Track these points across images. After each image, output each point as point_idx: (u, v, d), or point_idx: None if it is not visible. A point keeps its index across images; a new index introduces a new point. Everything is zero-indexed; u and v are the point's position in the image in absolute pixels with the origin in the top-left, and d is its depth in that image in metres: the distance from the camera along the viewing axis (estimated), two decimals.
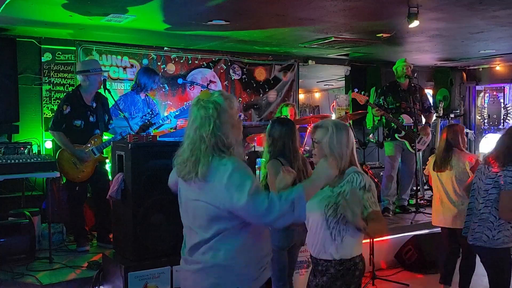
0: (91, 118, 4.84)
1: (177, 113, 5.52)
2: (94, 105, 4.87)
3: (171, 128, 5.60)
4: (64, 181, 4.90)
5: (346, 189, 2.56)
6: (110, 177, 4.52)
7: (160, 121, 5.36)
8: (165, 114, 5.56)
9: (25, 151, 4.73)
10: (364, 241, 5.47)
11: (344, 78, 8.41)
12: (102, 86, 4.90)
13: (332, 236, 2.58)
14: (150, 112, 5.07)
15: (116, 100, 5.28)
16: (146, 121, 4.98)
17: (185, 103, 5.72)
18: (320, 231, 2.63)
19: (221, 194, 2.13)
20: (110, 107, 5.13)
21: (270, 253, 2.43)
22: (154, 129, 5.32)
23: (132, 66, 6.18)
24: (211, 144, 2.17)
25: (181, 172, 2.25)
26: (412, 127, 6.21)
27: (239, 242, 2.22)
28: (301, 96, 9.50)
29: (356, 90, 6.27)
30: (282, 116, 5.90)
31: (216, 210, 2.16)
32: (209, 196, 2.17)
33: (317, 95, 11.83)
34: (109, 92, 4.96)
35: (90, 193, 5.14)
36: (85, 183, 4.91)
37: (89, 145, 4.81)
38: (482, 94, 9.37)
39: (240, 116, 6.07)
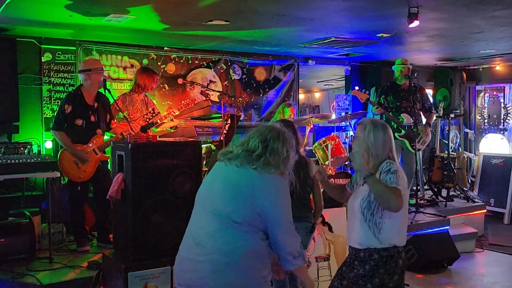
0: (92, 118, 4.84)
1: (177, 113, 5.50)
2: (96, 104, 4.88)
3: (171, 128, 5.58)
4: (65, 181, 4.90)
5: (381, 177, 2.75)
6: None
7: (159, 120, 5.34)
8: (165, 113, 5.53)
9: (25, 151, 4.73)
10: None
11: (344, 78, 8.42)
12: (102, 86, 4.90)
13: (371, 228, 2.73)
14: (152, 112, 5.06)
15: (115, 99, 5.27)
16: (148, 120, 4.97)
17: (182, 101, 5.70)
18: (358, 223, 2.78)
19: (264, 197, 2.33)
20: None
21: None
22: (154, 128, 5.32)
23: (132, 66, 6.18)
24: (273, 156, 2.40)
25: (237, 159, 2.40)
26: (412, 127, 6.21)
27: (261, 244, 2.35)
28: (301, 96, 9.51)
29: (357, 87, 6.28)
30: (285, 118, 5.98)
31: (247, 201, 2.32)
32: (255, 189, 2.33)
33: (317, 95, 11.83)
34: (109, 92, 4.95)
35: (92, 193, 5.14)
36: (87, 183, 4.91)
37: (90, 144, 4.81)
38: (482, 94, 9.37)
39: (240, 117, 6.07)
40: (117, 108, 5.10)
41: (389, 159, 2.82)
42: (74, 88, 5.61)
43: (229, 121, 5.30)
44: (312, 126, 6.41)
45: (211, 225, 2.33)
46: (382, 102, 6.36)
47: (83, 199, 4.99)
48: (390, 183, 2.70)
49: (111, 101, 5.11)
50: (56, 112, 4.97)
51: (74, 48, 5.83)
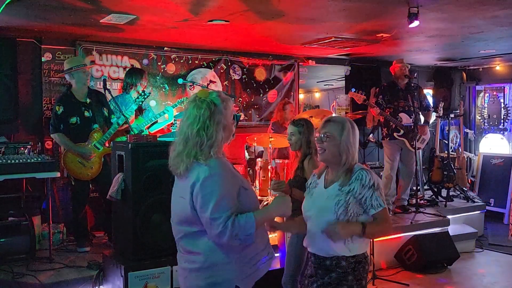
0: (86, 113, 4.86)
1: (174, 107, 5.53)
2: (88, 100, 4.90)
3: (169, 124, 5.58)
4: (67, 180, 4.93)
5: (356, 187, 2.52)
6: None
7: (158, 116, 5.35)
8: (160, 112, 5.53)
9: (25, 151, 4.73)
10: None
11: (344, 78, 8.42)
12: (102, 86, 4.91)
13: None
14: (142, 93, 5.05)
15: (114, 98, 5.25)
16: (140, 103, 5.02)
17: (177, 100, 5.73)
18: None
19: (193, 195, 2.22)
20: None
21: (267, 248, 2.42)
22: (150, 125, 5.34)
23: (132, 66, 6.16)
24: (193, 142, 2.23)
25: (174, 166, 2.31)
26: (412, 126, 6.21)
27: (212, 252, 2.26)
28: (301, 96, 9.51)
29: (353, 89, 6.27)
30: (285, 116, 6.06)
31: (191, 208, 2.23)
32: (188, 193, 2.24)
33: (317, 95, 11.82)
34: (109, 92, 4.96)
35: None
36: (97, 180, 4.94)
37: (90, 141, 4.83)
38: (482, 94, 9.37)
39: (239, 116, 6.12)
40: (118, 109, 5.11)
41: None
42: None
43: None
44: None
45: None
46: (380, 103, 6.36)
47: (87, 198, 5.02)
48: (376, 206, 2.49)
49: (111, 100, 5.11)
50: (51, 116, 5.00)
51: (74, 48, 5.83)
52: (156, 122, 5.40)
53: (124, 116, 4.76)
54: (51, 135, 4.87)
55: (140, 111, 5.31)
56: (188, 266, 2.33)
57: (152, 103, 6.21)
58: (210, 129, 2.23)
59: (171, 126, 5.53)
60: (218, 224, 2.13)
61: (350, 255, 2.54)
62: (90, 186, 5.00)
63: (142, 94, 5.06)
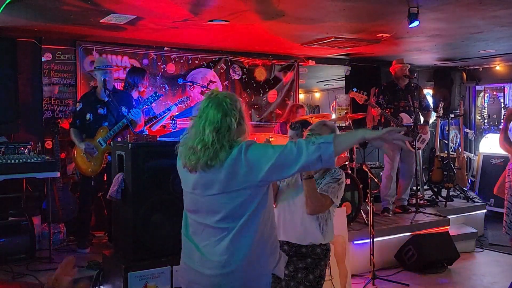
0: (100, 110, 4.92)
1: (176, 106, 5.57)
2: (106, 99, 4.92)
3: (168, 118, 5.59)
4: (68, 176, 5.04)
5: (327, 178, 2.86)
6: None
7: (158, 116, 5.37)
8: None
9: (25, 151, 4.74)
10: (364, 241, 5.49)
11: (344, 78, 8.42)
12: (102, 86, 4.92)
13: (320, 226, 2.85)
14: (154, 95, 5.08)
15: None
16: (150, 103, 5.08)
17: (178, 99, 5.75)
18: (307, 220, 2.85)
19: (243, 171, 2.11)
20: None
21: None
22: (151, 126, 5.36)
23: (132, 66, 6.16)
24: (233, 131, 2.17)
25: (200, 159, 2.14)
26: (412, 126, 6.21)
27: (259, 231, 2.18)
28: (301, 96, 9.51)
29: (354, 89, 6.27)
30: (296, 118, 6.07)
31: (239, 193, 2.13)
32: (230, 182, 2.13)
33: (317, 95, 11.82)
34: (109, 91, 4.96)
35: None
36: (100, 178, 4.97)
37: (96, 137, 4.86)
38: (482, 94, 9.37)
39: None
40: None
41: None
42: (74, 88, 5.77)
43: None
44: None
45: None
46: (381, 103, 6.37)
47: (92, 196, 5.04)
48: (325, 190, 2.79)
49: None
50: None
51: (74, 48, 5.83)
52: (156, 122, 5.42)
53: (130, 126, 4.79)
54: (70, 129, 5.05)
55: (150, 119, 5.37)
56: (218, 272, 2.17)
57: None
58: (236, 114, 2.19)
59: (170, 124, 5.53)
60: (290, 149, 2.09)
61: (324, 242, 2.87)
62: (92, 183, 5.01)
63: (154, 95, 5.08)
